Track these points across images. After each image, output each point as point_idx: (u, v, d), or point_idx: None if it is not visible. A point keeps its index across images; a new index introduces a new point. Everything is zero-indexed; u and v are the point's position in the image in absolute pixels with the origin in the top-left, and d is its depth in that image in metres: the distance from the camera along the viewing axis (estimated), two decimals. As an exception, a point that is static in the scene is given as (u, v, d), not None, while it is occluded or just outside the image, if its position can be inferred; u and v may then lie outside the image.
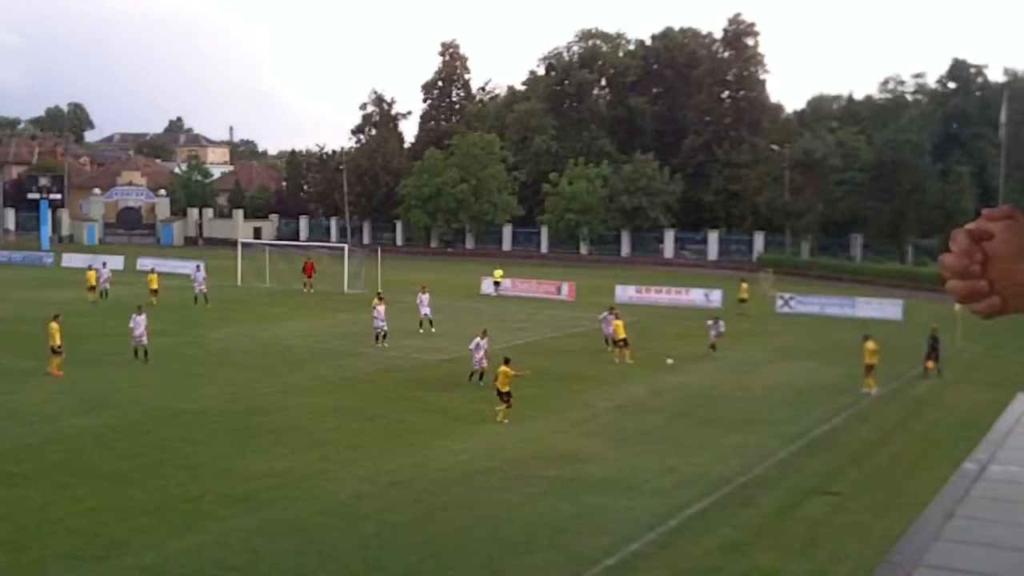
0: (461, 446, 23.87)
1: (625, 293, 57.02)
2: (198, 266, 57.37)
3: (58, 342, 30.71)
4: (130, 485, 20.42)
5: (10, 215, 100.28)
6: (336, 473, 21.48)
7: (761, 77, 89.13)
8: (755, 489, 20.87)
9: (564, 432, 25.37)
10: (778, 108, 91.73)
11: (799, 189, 77.26)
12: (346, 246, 65.74)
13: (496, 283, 60.48)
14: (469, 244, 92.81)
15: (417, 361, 34.93)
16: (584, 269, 76.58)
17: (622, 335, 35.33)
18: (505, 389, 24.87)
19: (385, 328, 37.78)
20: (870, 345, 30.05)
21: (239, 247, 66.99)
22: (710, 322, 38.23)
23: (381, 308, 37.72)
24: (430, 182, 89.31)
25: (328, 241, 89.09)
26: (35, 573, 15.67)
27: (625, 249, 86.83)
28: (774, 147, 79.77)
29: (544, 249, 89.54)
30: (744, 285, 52.08)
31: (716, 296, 54.69)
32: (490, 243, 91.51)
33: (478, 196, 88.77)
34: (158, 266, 75.00)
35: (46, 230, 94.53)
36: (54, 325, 31.00)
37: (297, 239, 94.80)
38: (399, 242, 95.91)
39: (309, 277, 60.10)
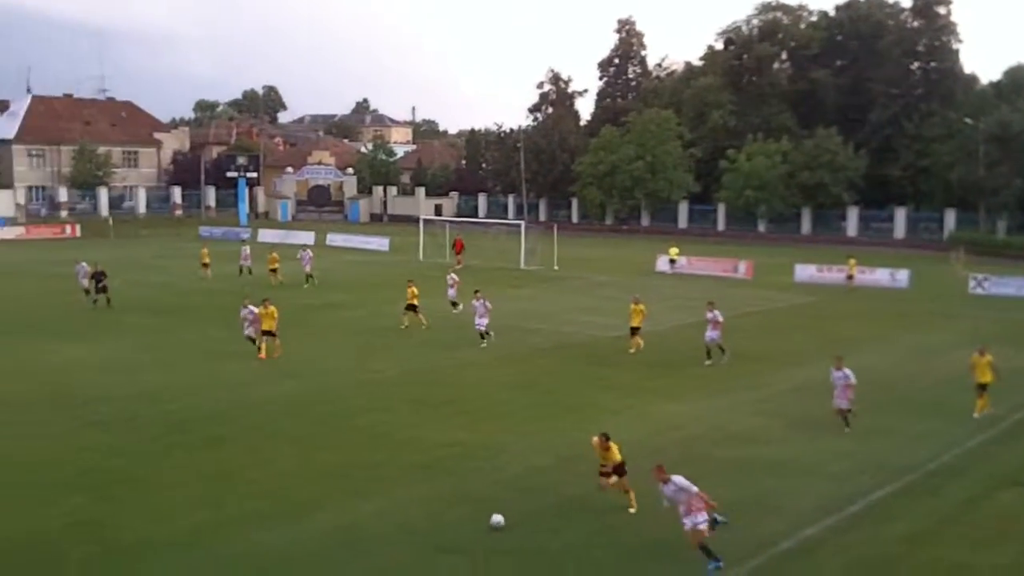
0: (634, 423, 23.97)
1: (805, 272, 55.62)
2: (304, 246, 59.02)
3: (268, 326, 31.22)
4: (318, 450, 21.51)
5: (211, 192, 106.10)
6: (512, 445, 21.97)
7: (954, 47, 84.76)
8: (942, 478, 20.15)
9: (738, 412, 25.11)
10: (972, 79, 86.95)
11: (995, 164, 73.24)
12: (523, 223, 66.54)
13: (672, 261, 60.04)
14: (644, 221, 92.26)
15: (593, 337, 35.14)
16: (762, 247, 75.02)
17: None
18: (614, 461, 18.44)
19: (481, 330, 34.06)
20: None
21: (420, 224, 68.84)
22: None
23: (479, 303, 34.10)
24: (606, 159, 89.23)
25: (505, 218, 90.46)
26: (233, 529, 16.72)
27: (805, 227, 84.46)
28: (968, 120, 75.74)
29: (721, 227, 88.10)
30: (852, 261, 51.83)
31: (903, 276, 52.67)
32: (665, 220, 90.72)
33: (654, 173, 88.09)
34: (346, 241, 78.21)
35: (243, 207, 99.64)
36: (262, 310, 31.44)
37: (476, 216, 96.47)
38: (574, 219, 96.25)
39: (459, 254, 61.20)
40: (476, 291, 34.07)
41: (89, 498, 18.12)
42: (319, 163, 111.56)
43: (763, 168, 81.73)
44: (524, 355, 32.57)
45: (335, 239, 78.93)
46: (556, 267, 59.50)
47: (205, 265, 54.11)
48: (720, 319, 30.92)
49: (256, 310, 31.44)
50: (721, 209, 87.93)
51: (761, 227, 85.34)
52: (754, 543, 16.30)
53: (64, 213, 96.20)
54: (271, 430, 23.09)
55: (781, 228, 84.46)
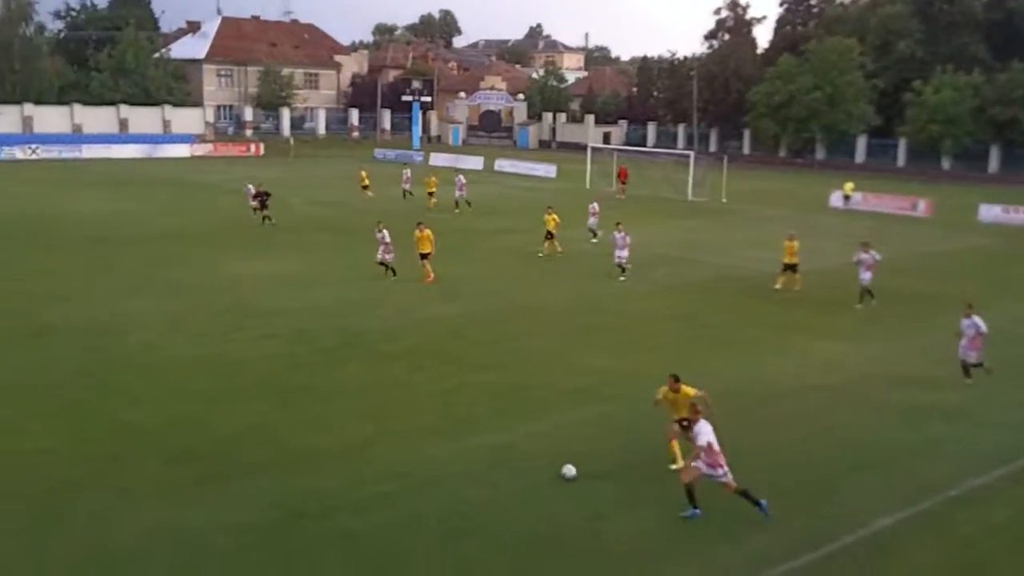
0: (796, 361, 23.66)
1: (990, 213, 52.95)
2: (458, 171, 58.89)
3: (426, 249, 31.93)
4: (481, 371, 22.17)
5: (386, 115, 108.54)
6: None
7: None
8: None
9: (907, 356, 24.41)
10: None
11: None
12: (692, 153, 65.56)
13: (846, 196, 58.11)
14: (819, 155, 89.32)
15: (757, 272, 34.60)
16: (944, 185, 71.66)
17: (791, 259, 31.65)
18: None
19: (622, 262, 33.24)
20: None
21: (588, 151, 68.68)
22: None
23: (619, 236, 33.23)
24: (782, 89, 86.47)
25: (674, 148, 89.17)
26: (398, 442, 17.53)
27: (993, 165, 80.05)
28: None
29: (901, 162, 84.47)
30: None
31: (1098, 220, 49.47)
32: (842, 155, 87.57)
33: (832, 104, 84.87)
34: (513, 167, 78.85)
35: (417, 130, 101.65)
36: (418, 233, 31.86)
37: (644, 145, 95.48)
38: (746, 151, 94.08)
39: (623, 183, 60.57)
40: (618, 223, 33.85)
41: (267, 405, 19.28)
42: (491, 88, 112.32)
43: (950, 102, 77.62)
44: (686, 287, 32.41)
45: (503, 165, 79.70)
46: (724, 199, 58.52)
47: (365, 187, 55.71)
48: (874, 260, 29.71)
49: (388, 235, 31.85)
50: (902, 144, 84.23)
51: (945, 164, 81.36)
52: (921, 488, 15.99)
53: (249, 132, 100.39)
54: (436, 349, 23.88)
55: (967, 166, 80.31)
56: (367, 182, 56.12)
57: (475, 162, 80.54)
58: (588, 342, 24.96)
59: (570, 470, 15.86)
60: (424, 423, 18.57)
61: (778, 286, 31.60)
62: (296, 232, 42.29)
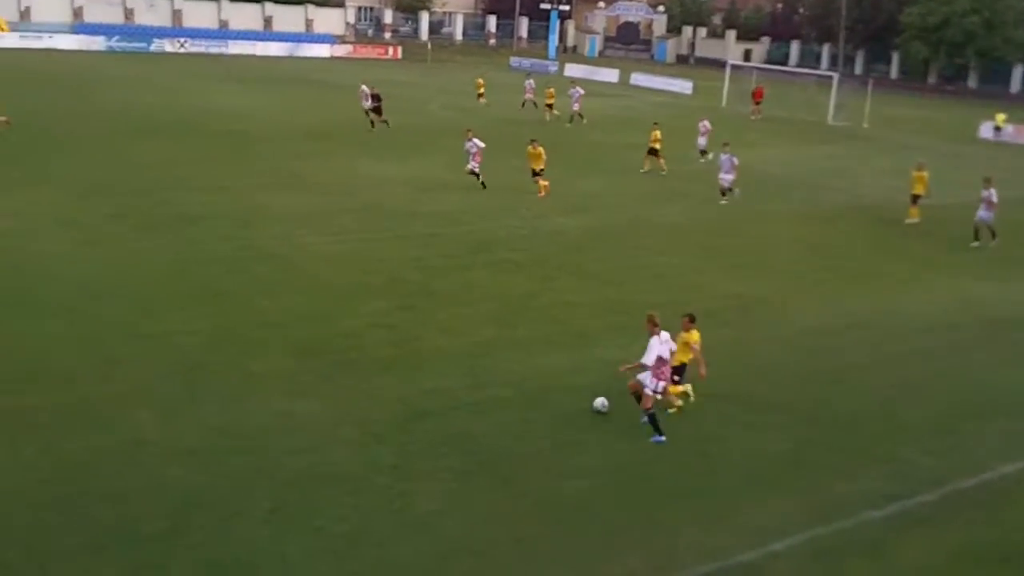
0: (929, 296, 22.97)
1: None
2: (573, 81, 56.91)
3: (537, 166, 31.49)
4: (603, 285, 22.23)
5: (523, 23, 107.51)
6: (795, 303, 21.73)
7: None
8: None
9: (1049, 299, 23.44)
10: None
11: None
12: (836, 75, 63.14)
13: (997, 128, 55.35)
14: (972, 83, 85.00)
15: (893, 203, 33.46)
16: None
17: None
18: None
19: (725, 185, 32.20)
20: None
21: (727, 68, 66.89)
22: None
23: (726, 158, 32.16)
24: (937, 11, 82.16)
25: (817, 68, 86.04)
26: (517, 349, 17.81)
27: None
28: None
29: (1062, 95, 79.83)
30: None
31: None
32: (996, 83, 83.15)
33: (990, 29, 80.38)
34: (649, 82, 77.44)
35: (553, 39, 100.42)
36: (530, 149, 31.65)
37: (786, 64, 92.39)
38: (893, 75, 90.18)
39: (757, 103, 58.67)
40: (725, 144, 32.95)
41: (393, 305, 19.77)
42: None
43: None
44: (818, 214, 31.63)
45: (638, 79, 78.35)
46: (866, 125, 56.43)
47: (480, 95, 55.66)
48: (995, 199, 28.25)
49: (480, 144, 31.58)
50: (1065, 75, 79.47)
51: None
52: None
53: (388, 35, 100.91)
54: (560, 261, 24.00)
55: None
56: (482, 90, 56.20)
57: (610, 75, 79.40)
58: (713, 263, 24.70)
59: (603, 402, 15.26)
60: (544, 333, 18.78)
61: (908, 220, 30.55)
62: (431, 136, 42.67)
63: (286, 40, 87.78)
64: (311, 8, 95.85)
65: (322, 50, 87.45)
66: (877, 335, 19.97)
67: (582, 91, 50.83)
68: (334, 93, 57.51)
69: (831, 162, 43.06)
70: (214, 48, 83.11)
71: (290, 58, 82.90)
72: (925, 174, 30.80)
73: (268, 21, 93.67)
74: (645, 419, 14.44)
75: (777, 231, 28.87)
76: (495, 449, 13.82)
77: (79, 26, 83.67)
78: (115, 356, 16.11)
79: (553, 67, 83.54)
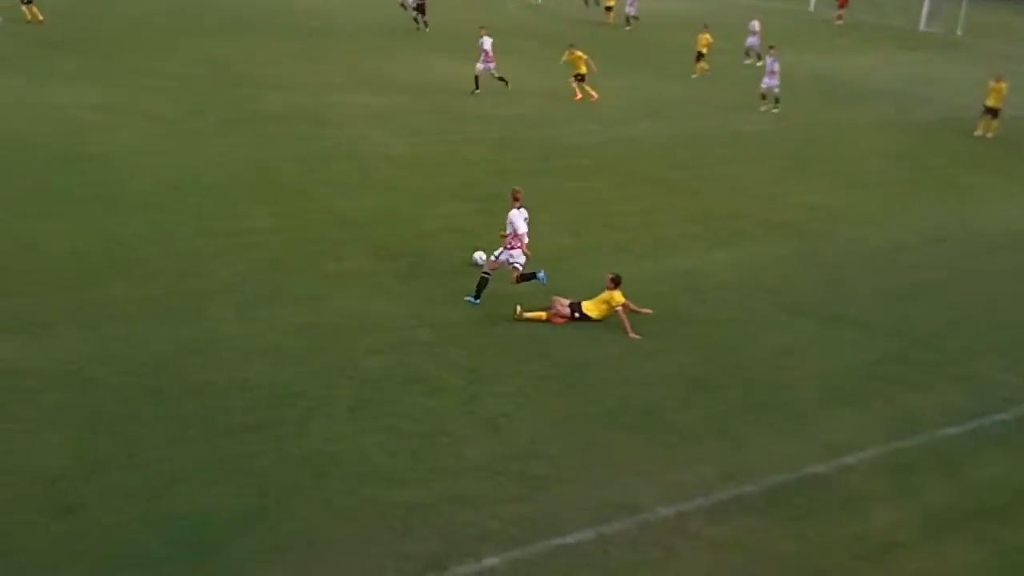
0: (1012, 212, 22.32)
1: None
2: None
3: (581, 70, 30.80)
4: (680, 194, 21.99)
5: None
6: (876, 217, 21.30)
7: None
8: None
9: None
10: None
11: None
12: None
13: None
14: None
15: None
16: None
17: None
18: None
19: (765, 89, 31.25)
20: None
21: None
22: None
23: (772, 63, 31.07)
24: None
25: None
26: (593, 256, 17.75)
27: None
28: None
29: None
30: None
31: None
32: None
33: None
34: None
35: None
36: (567, 56, 31.28)
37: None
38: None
39: (842, 6, 56.24)
40: (771, 47, 31.71)
41: (469, 208, 19.80)
42: None
43: None
44: (905, 125, 30.76)
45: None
46: (959, 32, 54.27)
47: (608, 8, 54.49)
48: None
49: (490, 42, 30.25)
50: None
51: None
52: None
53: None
54: (634, 168, 23.76)
55: None
56: (611, 3, 54.95)
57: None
58: (796, 174, 24.26)
59: (480, 256, 16.40)
60: (620, 240, 18.69)
61: (978, 132, 29.49)
62: (506, 37, 42.04)
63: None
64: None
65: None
66: (956, 251, 19.54)
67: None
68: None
69: (921, 70, 41.67)
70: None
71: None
72: (1003, 85, 29.62)
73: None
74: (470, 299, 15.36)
75: (861, 141, 28.17)
76: (567, 355, 13.91)
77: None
78: (197, 251, 16.45)
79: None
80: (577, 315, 14.97)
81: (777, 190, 22.77)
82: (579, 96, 30.43)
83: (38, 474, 10.18)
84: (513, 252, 15.44)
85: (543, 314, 14.91)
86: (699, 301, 16.14)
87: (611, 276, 15.00)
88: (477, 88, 30.34)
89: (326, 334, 13.90)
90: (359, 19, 44.35)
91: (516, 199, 15.58)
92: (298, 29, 40.13)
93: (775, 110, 30.86)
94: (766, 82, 31.00)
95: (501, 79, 30.54)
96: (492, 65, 30.35)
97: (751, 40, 39.27)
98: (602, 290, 15.01)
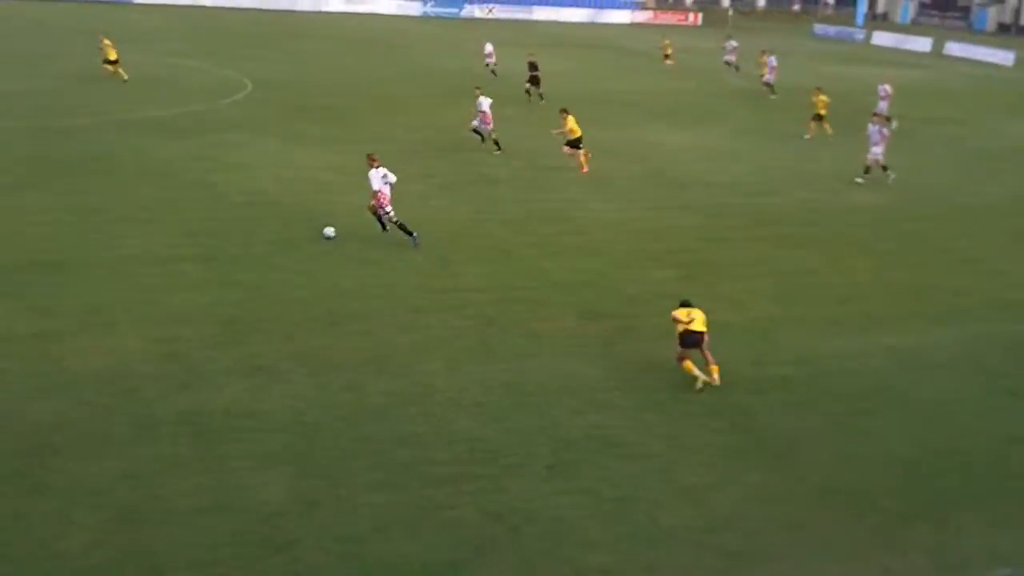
0: None
1: None
2: (764, 52, 51.83)
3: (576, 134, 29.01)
4: (899, 266, 21.15)
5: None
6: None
7: None
8: None
9: None
10: None
11: None
12: None
13: None
14: None
15: None
16: None
17: None
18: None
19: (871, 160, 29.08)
20: None
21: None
22: None
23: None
24: None
25: None
26: (801, 328, 17.32)
27: None
28: None
29: None
30: None
31: None
32: None
33: None
34: (964, 51, 72.11)
35: (862, 5, 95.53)
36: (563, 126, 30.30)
37: None
38: None
39: None
40: (874, 113, 29.82)
41: (676, 274, 19.78)
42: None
43: None
44: None
45: (953, 48, 73.18)
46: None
47: (666, 56, 54.01)
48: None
49: (488, 102, 29.86)
50: None
51: None
52: None
53: (689, 1, 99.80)
54: (851, 238, 23.10)
55: None
56: (669, 51, 54.80)
57: (922, 43, 74.66)
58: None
59: (331, 231, 20.24)
60: (830, 313, 18.19)
61: None
62: (722, 102, 42.01)
63: (588, 6, 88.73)
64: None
65: (622, 16, 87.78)
66: None
67: (775, 62, 46.22)
68: (630, 58, 57.67)
69: None
70: (520, 14, 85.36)
71: (591, 24, 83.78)
72: None
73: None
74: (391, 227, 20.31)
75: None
76: (772, 428, 13.63)
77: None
78: (413, 306, 17.19)
79: (860, 35, 79.55)
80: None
81: (1006, 266, 21.58)
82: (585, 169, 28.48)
83: (258, 510, 10.86)
84: (386, 208, 20.15)
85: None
86: (915, 380, 15.46)
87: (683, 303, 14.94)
88: (493, 145, 30.05)
89: (529, 392, 14.19)
90: (579, 86, 45.32)
91: (372, 160, 20.14)
92: (520, 96, 41.38)
93: (859, 180, 28.81)
94: (874, 151, 28.62)
95: (495, 142, 30.16)
96: (490, 127, 30.17)
97: (882, 105, 37.74)
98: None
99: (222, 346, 15.06)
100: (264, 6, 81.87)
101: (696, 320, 14.70)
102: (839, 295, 19.22)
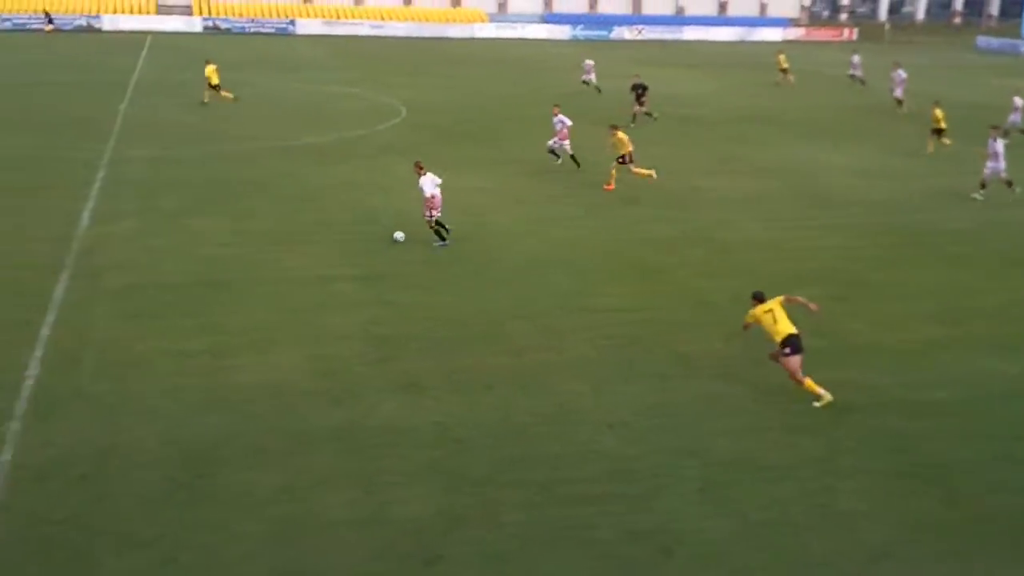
0: None
1: None
2: (896, 64, 49.14)
3: (620, 151, 28.78)
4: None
5: (994, 0, 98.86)
6: None
7: None
8: None
9: None
10: None
11: None
12: None
13: None
14: None
15: None
16: None
17: None
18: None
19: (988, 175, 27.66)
20: None
21: None
22: None
23: None
24: None
25: None
26: (964, 347, 16.65)
27: None
28: None
29: None
30: None
31: None
32: None
33: None
34: None
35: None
36: (612, 138, 28.98)
37: None
38: None
39: None
40: (993, 127, 28.28)
41: (825, 294, 19.23)
42: None
43: None
44: None
45: None
46: None
47: (784, 71, 52.12)
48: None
49: (567, 121, 29.32)
50: None
51: None
52: None
53: (844, 16, 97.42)
54: (1009, 256, 22.15)
55: None
56: (785, 65, 53.35)
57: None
58: None
59: (401, 235, 21.83)
60: (994, 334, 17.43)
61: None
62: (876, 119, 40.81)
63: (739, 24, 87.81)
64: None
65: (774, 34, 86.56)
66: None
67: (904, 75, 44.41)
68: (812, 79, 56.67)
69: None
70: (669, 34, 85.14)
71: (742, 43, 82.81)
72: None
73: (723, 6, 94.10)
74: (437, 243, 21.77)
75: None
76: (929, 453, 13.14)
77: (548, 16, 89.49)
78: (557, 326, 17.31)
79: (1023, 47, 76.04)
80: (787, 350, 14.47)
81: None
82: (611, 186, 27.99)
83: (405, 525, 11.13)
84: (431, 213, 21.62)
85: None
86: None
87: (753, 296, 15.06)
88: (572, 163, 29.78)
89: (676, 413, 14.09)
90: (729, 105, 44.85)
91: (420, 167, 21.57)
92: (667, 116, 41.25)
93: (976, 195, 27.54)
94: (989, 166, 27.22)
95: (573, 159, 29.78)
96: (566, 144, 29.79)
97: (1013, 117, 35.95)
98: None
99: (375, 363, 15.52)
100: (418, 34, 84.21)
101: (782, 318, 14.60)
102: (1000, 315, 18.41)
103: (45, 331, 16.29)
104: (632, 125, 37.56)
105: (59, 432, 12.94)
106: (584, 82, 48.38)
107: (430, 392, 14.55)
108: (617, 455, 12.82)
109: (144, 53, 62.49)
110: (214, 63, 42.00)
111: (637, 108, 39.18)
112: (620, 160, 27.93)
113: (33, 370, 14.78)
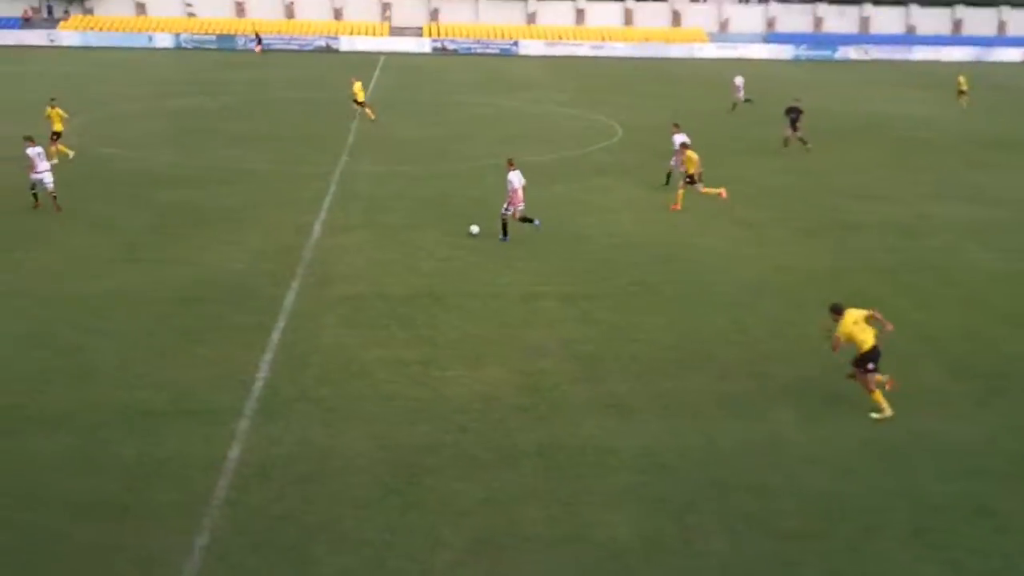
0: None
1: None
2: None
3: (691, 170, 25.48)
4: None
5: None
6: None
7: None
8: None
9: None
10: None
11: None
12: None
13: None
14: None
15: None
16: None
17: None
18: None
19: None
20: None
21: None
22: None
23: None
24: None
25: None
26: None
27: None
28: None
29: None
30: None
31: None
32: None
33: None
34: None
35: None
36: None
37: None
38: None
39: None
40: None
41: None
42: None
43: None
44: None
45: None
46: None
47: (962, 92, 48.07)
48: None
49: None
50: None
51: None
52: None
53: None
54: None
55: None
56: (964, 88, 50.59)
57: None
58: None
59: (476, 229, 23.73)
60: None
61: None
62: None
63: (974, 44, 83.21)
64: (1004, 9, 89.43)
65: (1013, 54, 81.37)
66: None
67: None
68: (1006, 95, 53.38)
69: None
70: (898, 54, 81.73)
71: (979, 63, 78.47)
72: None
73: (957, 24, 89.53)
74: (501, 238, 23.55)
75: None
76: None
77: (770, 35, 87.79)
78: (767, 353, 16.93)
79: None
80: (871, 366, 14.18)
81: None
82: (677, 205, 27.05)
83: (606, 547, 11.17)
84: (510, 208, 23.32)
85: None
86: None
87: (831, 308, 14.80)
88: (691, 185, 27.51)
89: (890, 451, 13.52)
90: (964, 128, 42.62)
91: (511, 164, 23.40)
92: (896, 139, 39.66)
93: None
94: None
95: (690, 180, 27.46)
96: (681, 166, 27.80)
97: None
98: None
99: (579, 381, 15.66)
100: (638, 54, 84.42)
101: (868, 328, 14.33)
102: None
103: (276, 336, 17.33)
104: (784, 149, 36.57)
105: (284, 432, 13.75)
106: (745, 101, 47.47)
107: (634, 414, 14.54)
108: (824, 490, 12.43)
109: (376, 73, 65.43)
110: (359, 80, 44.19)
111: (790, 133, 37.36)
112: (688, 180, 27.06)
113: (263, 372, 15.76)
